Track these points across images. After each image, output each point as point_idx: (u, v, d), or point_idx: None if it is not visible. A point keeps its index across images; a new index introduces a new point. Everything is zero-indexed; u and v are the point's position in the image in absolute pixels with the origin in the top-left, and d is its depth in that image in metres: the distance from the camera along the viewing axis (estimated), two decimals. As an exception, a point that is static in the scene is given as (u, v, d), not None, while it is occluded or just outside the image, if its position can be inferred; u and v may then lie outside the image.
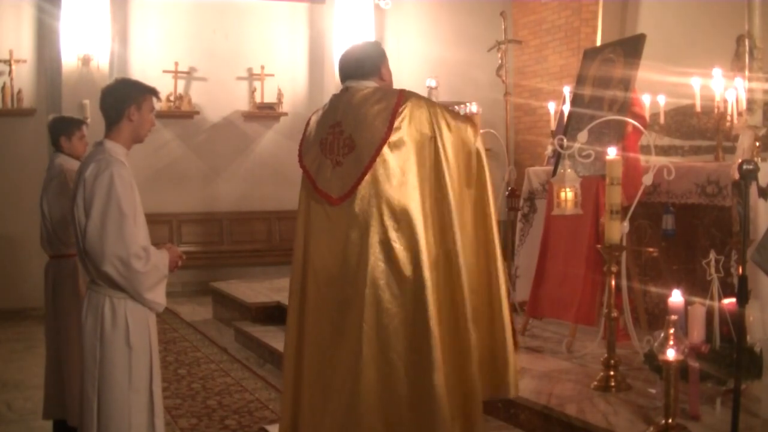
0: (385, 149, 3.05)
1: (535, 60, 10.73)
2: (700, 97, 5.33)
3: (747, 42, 6.10)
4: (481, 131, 6.47)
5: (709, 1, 6.76)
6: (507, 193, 6.92)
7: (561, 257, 5.57)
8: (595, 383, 4.39)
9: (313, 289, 3.20)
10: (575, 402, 4.16)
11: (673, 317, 3.53)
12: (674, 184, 5.05)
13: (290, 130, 9.97)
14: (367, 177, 3.06)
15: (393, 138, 3.06)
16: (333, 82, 9.92)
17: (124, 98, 3.25)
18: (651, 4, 7.44)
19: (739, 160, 3.28)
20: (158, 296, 3.22)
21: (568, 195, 4.65)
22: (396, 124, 3.06)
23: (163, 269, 3.20)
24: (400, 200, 3.05)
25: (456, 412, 3.08)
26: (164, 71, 9.65)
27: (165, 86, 9.54)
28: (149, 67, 9.46)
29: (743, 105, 5.35)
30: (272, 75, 10.27)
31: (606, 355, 4.43)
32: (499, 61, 7.34)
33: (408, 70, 9.53)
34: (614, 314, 4.44)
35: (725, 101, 5.28)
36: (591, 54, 6.10)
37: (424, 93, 6.28)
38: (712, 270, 3.93)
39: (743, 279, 3.09)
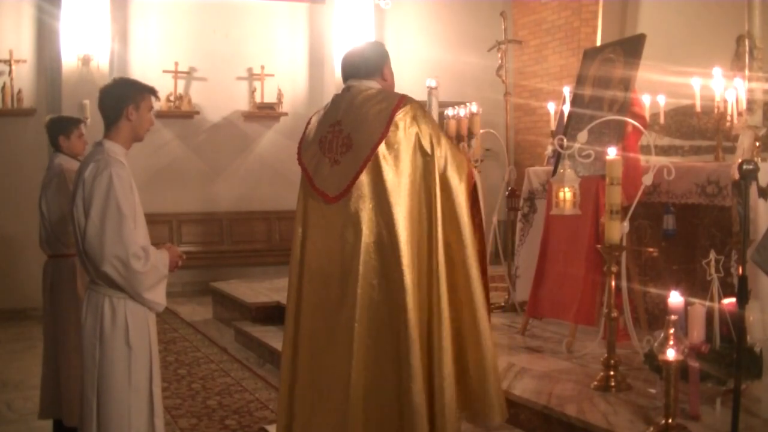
0: (382, 149, 3.06)
1: (535, 60, 10.73)
2: (700, 97, 5.33)
3: (747, 42, 6.10)
4: (481, 131, 6.54)
5: (709, 1, 6.75)
6: (507, 193, 6.94)
7: (561, 257, 5.57)
8: (595, 383, 4.39)
9: (309, 288, 3.21)
10: (575, 402, 4.16)
11: (673, 317, 3.53)
12: (674, 184, 5.05)
13: (290, 130, 9.97)
14: (363, 176, 3.06)
15: (390, 139, 3.06)
16: (333, 82, 9.94)
17: (122, 98, 3.25)
18: (651, 4, 7.44)
19: (739, 160, 3.28)
20: (158, 296, 3.22)
21: (567, 195, 4.64)
22: (393, 124, 3.06)
23: (162, 269, 3.20)
24: (392, 201, 3.05)
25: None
26: (164, 71, 9.65)
27: (165, 86, 9.55)
28: (149, 67, 9.46)
29: (743, 105, 5.35)
30: (272, 75, 10.27)
31: (606, 355, 4.42)
32: (499, 61, 7.37)
33: (408, 70, 9.51)
34: (614, 314, 4.44)
35: (725, 101, 5.27)
36: (591, 54, 6.10)
37: (424, 93, 6.32)
38: (712, 270, 3.93)
39: (743, 279, 3.09)
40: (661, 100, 5.65)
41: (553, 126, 6.93)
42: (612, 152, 4.43)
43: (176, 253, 3.32)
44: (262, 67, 10.21)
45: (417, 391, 2.97)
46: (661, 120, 5.73)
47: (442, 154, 3.14)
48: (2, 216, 8.83)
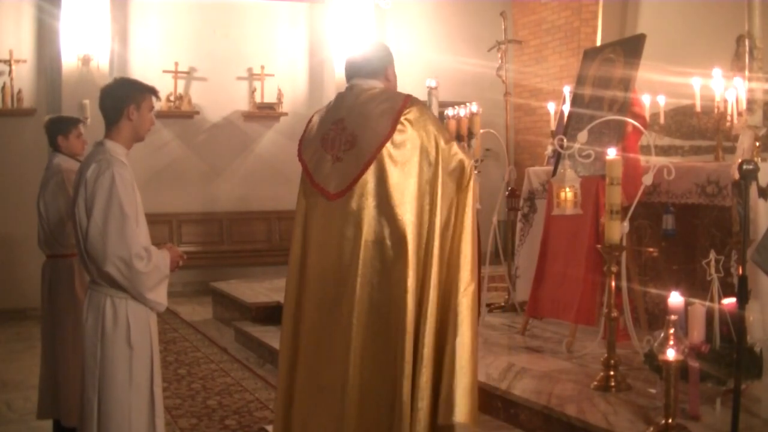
0: (387, 148, 3.05)
1: (535, 60, 10.73)
2: (700, 97, 5.33)
3: (747, 42, 6.10)
4: (481, 131, 6.54)
5: (709, 1, 6.75)
6: (507, 193, 6.94)
7: (561, 257, 5.57)
8: (595, 383, 4.39)
9: (308, 287, 3.19)
10: (575, 402, 4.16)
11: (673, 317, 3.53)
12: (674, 184, 5.05)
13: (290, 130, 9.97)
14: (366, 174, 3.06)
15: (396, 139, 3.06)
16: (333, 82, 9.94)
17: (123, 98, 3.25)
18: (651, 4, 7.44)
19: (739, 160, 3.28)
20: (160, 296, 3.22)
21: (567, 195, 4.65)
22: (399, 125, 3.06)
23: (164, 269, 3.21)
24: (396, 201, 3.05)
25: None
26: (164, 71, 9.65)
27: (165, 86, 9.55)
28: (149, 67, 9.46)
29: (743, 105, 5.35)
30: (272, 75, 10.28)
31: (606, 355, 4.42)
32: (499, 61, 7.37)
33: (408, 70, 9.47)
34: (614, 314, 4.44)
35: (725, 101, 5.27)
36: (591, 54, 6.10)
37: (424, 93, 6.32)
38: (712, 270, 3.93)
39: (743, 279, 3.09)
40: (661, 100, 5.65)
41: (553, 126, 6.93)
42: (612, 152, 4.43)
43: (177, 253, 3.33)
44: (262, 67, 10.21)
45: (406, 393, 2.95)
46: (661, 120, 5.73)
47: (448, 155, 3.14)
48: (2, 216, 8.83)
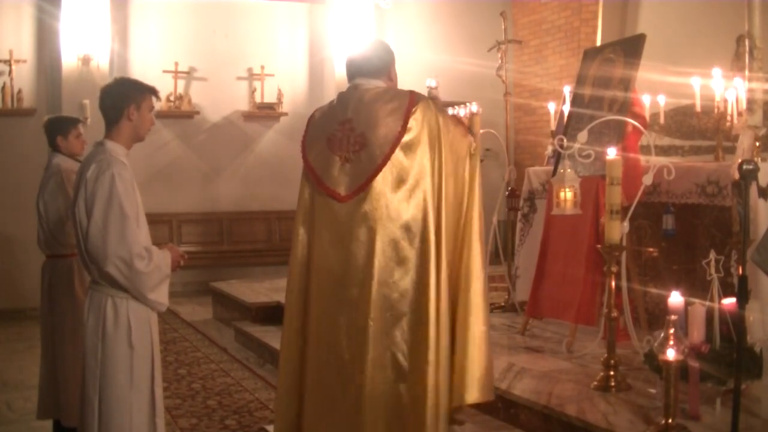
0: (398, 148, 3.05)
1: (535, 60, 10.73)
2: (700, 97, 5.33)
3: (747, 42, 6.10)
4: (481, 131, 6.53)
5: (709, 1, 6.76)
6: (507, 193, 6.94)
7: (561, 257, 5.57)
8: (595, 383, 4.39)
9: (316, 289, 3.16)
10: (575, 402, 4.16)
11: (673, 317, 3.53)
12: (674, 184, 5.05)
13: (290, 130, 9.97)
14: (379, 175, 3.05)
15: (406, 138, 3.05)
16: (333, 82, 9.94)
17: (123, 98, 3.25)
18: (651, 4, 7.45)
19: (739, 160, 3.28)
20: (161, 296, 3.22)
21: (567, 195, 4.64)
22: (409, 124, 3.06)
23: (165, 269, 3.21)
24: (412, 201, 3.04)
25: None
26: (164, 71, 9.65)
27: (165, 86, 9.54)
28: (149, 67, 9.45)
29: (743, 105, 5.35)
30: (272, 75, 10.27)
31: (606, 355, 4.42)
32: (499, 61, 7.37)
33: (408, 70, 9.41)
34: (614, 314, 4.44)
35: (725, 101, 5.27)
36: (591, 54, 6.10)
37: (424, 93, 6.30)
38: (712, 270, 3.93)
39: (743, 279, 3.09)
40: (661, 100, 5.65)
41: (553, 126, 6.93)
42: (612, 152, 4.43)
43: (178, 253, 3.33)
44: (262, 67, 10.21)
45: (431, 388, 2.98)
46: (661, 120, 5.73)
47: (458, 144, 3.15)
48: (2, 216, 8.82)
